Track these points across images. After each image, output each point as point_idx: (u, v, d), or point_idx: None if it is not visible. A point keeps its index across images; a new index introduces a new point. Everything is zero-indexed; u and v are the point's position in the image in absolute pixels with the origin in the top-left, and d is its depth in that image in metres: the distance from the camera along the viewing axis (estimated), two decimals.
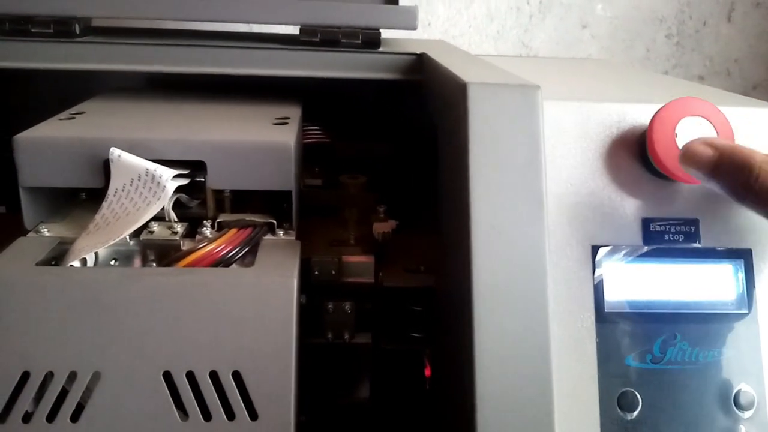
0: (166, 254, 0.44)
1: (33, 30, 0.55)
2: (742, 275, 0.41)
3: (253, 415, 0.38)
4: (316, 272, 0.50)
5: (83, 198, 0.51)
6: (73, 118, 0.50)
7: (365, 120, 0.68)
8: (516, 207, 0.38)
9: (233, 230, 0.45)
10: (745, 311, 0.40)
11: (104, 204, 0.44)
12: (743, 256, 0.41)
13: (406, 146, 0.66)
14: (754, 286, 0.41)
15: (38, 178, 0.44)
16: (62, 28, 0.56)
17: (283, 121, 0.51)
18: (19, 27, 0.55)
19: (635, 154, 0.41)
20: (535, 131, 0.38)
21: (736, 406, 0.39)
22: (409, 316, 0.52)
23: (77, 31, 0.56)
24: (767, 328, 0.40)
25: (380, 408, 0.53)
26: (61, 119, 0.49)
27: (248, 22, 0.67)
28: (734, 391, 0.39)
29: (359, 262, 0.51)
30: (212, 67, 0.55)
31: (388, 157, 0.66)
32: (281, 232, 0.46)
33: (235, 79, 0.56)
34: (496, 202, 0.37)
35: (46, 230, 0.45)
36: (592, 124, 0.42)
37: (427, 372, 0.55)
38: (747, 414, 0.39)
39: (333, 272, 0.50)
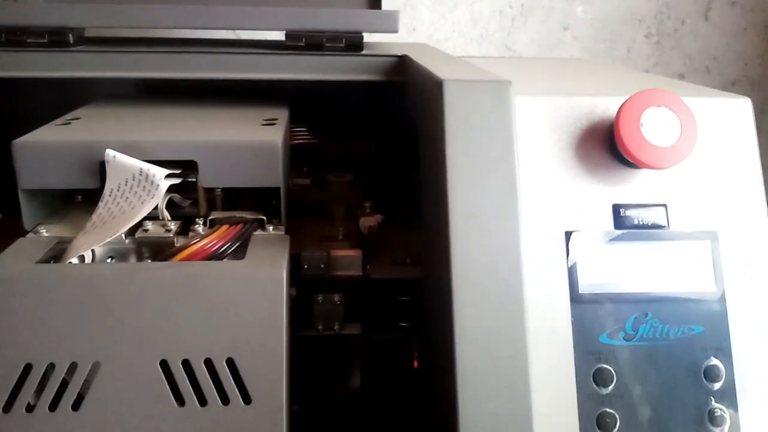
0: (160, 251, 0.45)
1: (28, 40, 0.58)
2: (709, 256, 0.43)
3: (247, 400, 0.39)
4: (306, 267, 0.52)
5: (79, 200, 0.53)
6: (69, 123, 0.52)
7: (350, 120, 0.70)
8: (491, 195, 0.40)
9: (225, 226, 0.47)
10: (713, 290, 0.43)
11: (100, 203, 0.45)
12: (710, 238, 0.43)
13: (390, 144, 0.68)
14: (720, 266, 0.43)
15: (37, 180, 0.46)
16: (56, 38, 0.58)
17: (270, 122, 0.53)
18: (15, 38, 0.58)
19: (604, 144, 0.44)
20: (508, 124, 0.41)
21: (705, 378, 0.41)
22: (397, 307, 0.54)
23: (71, 41, 0.58)
24: (734, 305, 0.42)
25: (371, 397, 0.55)
26: (57, 124, 0.51)
27: (237, 29, 0.69)
28: (704, 365, 0.41)
29: (347, 256, 0.53)
30: (203, 72, 0.57)
31: (373, 155, 0.68)
32: (271, 228, 0.48)
33: (224, 84, 0.58)
34: (472, 191, 0.40)
35: (44, 231, 0.47)
36: (562, 117, 0.44)
37: (416, 363, 0.56)
38: (716, 386, 0.41)
39: (322, 266, 0.52)
